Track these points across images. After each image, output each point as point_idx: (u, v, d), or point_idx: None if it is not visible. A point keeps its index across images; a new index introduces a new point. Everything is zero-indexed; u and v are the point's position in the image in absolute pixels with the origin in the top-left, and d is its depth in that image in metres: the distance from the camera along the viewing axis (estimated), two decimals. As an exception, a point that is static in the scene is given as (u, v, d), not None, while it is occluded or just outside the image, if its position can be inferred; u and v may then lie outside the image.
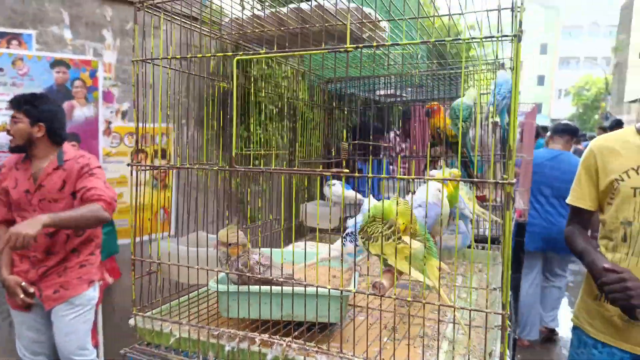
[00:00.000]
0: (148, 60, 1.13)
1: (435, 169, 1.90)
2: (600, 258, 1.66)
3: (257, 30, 1.03)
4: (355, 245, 0.94)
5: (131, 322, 0.93)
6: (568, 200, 1.87)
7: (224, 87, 3.41)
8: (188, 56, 1.18)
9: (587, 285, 1.84)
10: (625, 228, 1.71)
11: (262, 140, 3.88)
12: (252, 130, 3.71)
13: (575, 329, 1.89)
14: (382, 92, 2.25)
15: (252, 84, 4.17)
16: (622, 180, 1.70)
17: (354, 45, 0.81)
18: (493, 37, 0.85)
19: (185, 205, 3.53)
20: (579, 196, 1.85)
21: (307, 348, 0.76)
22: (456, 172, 1.64)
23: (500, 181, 0.73)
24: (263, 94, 3.65)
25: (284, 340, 0.79)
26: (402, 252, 0.76)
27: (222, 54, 1.16)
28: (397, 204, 0.80)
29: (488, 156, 1.88)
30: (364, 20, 1.04)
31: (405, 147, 3.43)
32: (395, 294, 0.78)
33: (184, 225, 3.52)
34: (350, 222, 1.06)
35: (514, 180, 0.74)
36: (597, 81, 27.87)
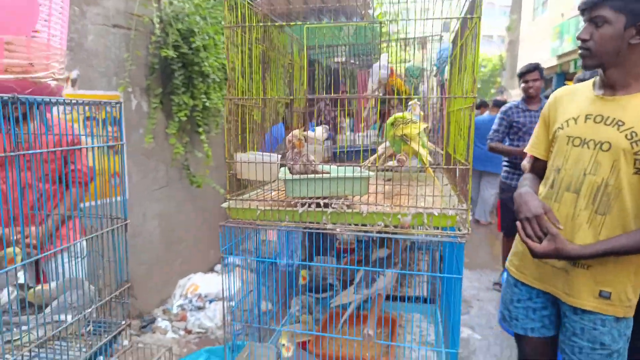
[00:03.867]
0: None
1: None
2: (532, 197, 1.69)
3: (285, 7, 1.44)
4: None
5: (224, 205, 1.34)
6: (525, 149, 1.97)
7: (167, 55, 3.65)
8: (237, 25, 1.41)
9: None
10: (555, 175, 1.76)
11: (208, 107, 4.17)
12: (197, 98, 3.99)
13: (506, 271, 2.01)
14: (339, 59, 2.74)
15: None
16: (562, 128, 1.74)
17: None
18: (460, 17, 1.41)
19: (137, 171, 3.77)
20: (533, 145, 1.92)
21: (355, 203, 1.25)
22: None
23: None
24: (208, 64, 3.92)
25: (337, 202, 1.27)
26: (416, 131, 1.27)
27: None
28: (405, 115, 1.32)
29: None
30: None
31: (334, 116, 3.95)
32: (410, 165, 1.31)
33: (136, 189, 3.74)
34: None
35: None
36: (492, 58, 29.87)
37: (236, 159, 1.34)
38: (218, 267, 5.03)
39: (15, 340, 1.04)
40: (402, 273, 1.58)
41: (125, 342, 1.31)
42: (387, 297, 2.03)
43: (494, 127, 4.55)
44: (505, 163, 4.74)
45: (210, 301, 4.21)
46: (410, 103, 1.49)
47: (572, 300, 1.74)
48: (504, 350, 3.83)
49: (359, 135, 3.21)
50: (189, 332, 3.99)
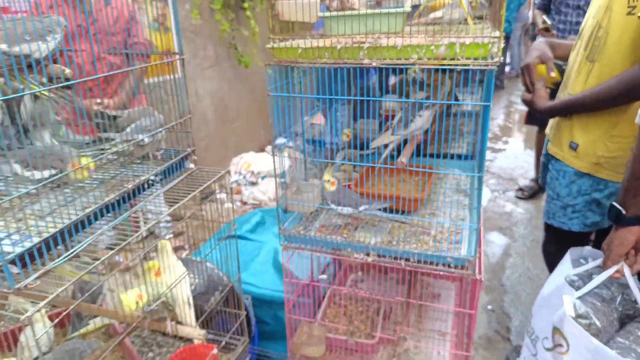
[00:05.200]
0: None
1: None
2: (536, 46, 1.74)
3: None
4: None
5: (268, 45, 1.43)
6: None
7: None
8: None
9: None
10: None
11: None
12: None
13: None
14: None
15: None
16: None
17: None
18: None
19: (187, 49, 3.85)
20: None
21: (390, 37, 1.31)
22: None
23: None
24: None
25: (373, 37, 1.33)
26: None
27: None
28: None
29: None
30: None
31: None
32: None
33: (187, 67, 3.85)
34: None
35: None
36: None
37: (276, -2, 1.39)
38: (268, 147, 5.30)
39: (107, 149, 1.27)
40: (440, 126, 1.65)
41: (192, 166, 1.53)
42: (431, 155, 2.12)
43: None
44: None
45: (263, 177, 4.52)
46: None
47: (549, 146, 1.79)
48: (545, 221, 3.94)
49: None
50: (244, 203, 4.36)
